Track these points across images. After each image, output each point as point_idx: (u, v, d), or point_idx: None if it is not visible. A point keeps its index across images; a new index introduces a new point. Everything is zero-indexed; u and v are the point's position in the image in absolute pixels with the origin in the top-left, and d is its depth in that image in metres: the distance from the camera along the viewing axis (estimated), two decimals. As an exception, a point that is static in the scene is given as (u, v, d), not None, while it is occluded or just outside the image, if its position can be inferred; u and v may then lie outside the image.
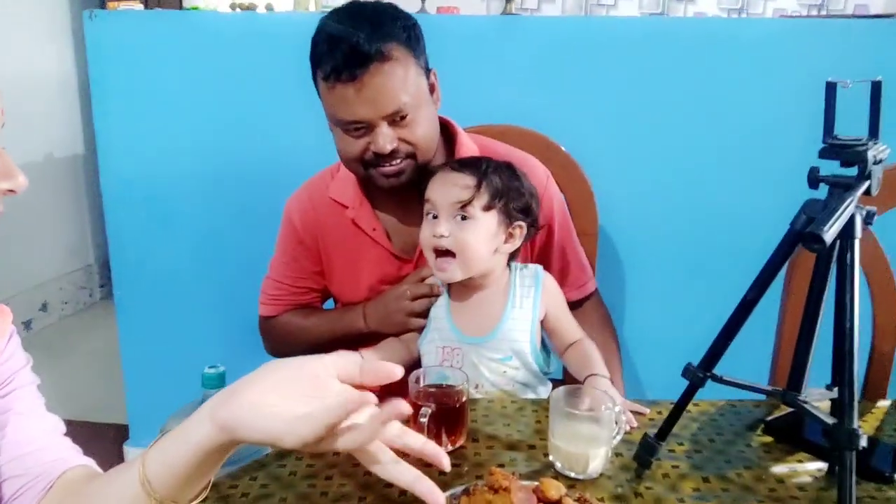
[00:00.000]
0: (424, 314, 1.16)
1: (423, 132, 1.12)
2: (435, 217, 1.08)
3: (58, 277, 3.48)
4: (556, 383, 1.17)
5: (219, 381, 1.65)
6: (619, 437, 0.90)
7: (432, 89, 1.16)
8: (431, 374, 0.96)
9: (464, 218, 1.06)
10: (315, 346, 1.26)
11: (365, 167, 1.13)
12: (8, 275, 3.13)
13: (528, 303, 1.13)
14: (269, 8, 1.98)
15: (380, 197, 1.24)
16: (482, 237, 1.07)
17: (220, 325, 1.90)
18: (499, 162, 1.12)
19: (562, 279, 1.23)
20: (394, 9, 1.09)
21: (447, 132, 1.26)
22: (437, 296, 1.16)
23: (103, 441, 2.19)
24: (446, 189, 1.06)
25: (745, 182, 1.63)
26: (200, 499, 0.66)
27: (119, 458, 2.03)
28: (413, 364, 1.15)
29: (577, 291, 1.29)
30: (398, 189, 1.15)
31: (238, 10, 1.88)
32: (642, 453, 0.87)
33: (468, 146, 1.24)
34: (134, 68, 1.78)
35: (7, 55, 3.05)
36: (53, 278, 3.45)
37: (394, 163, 1.11)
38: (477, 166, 1.08)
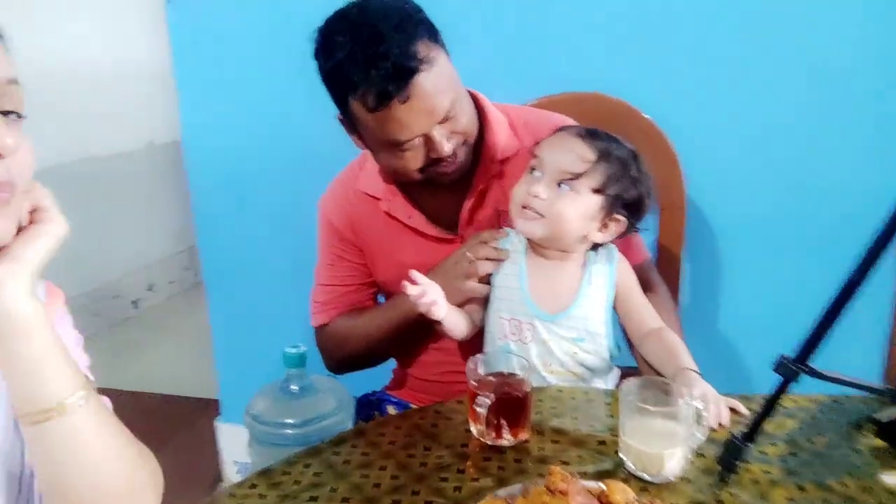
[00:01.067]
0: (486, 280, 1.08)
1: (468, 118, 1.07)
2: (536, 174, 1.00)
3: (163, 259, 3.67)
4: (625, 373, 1.08)
5: (299, 361, 1.67)
6: (700, 435, 0.81)
7: None
8: (491, 359, 0.90)
9: (568, 188, 0.99)
10: (372, 345, 1.21)
11: (422, 171, 1.07)
12: (117, 256, 3.32)
13: (602, 281, 1.05)
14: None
15: (413, 183, 1.17)
16: (578, 216, 0.99)
17: (301, 307, 1.92)
18: (630, 147, 1.03)
19: (625, 248, 1.12)
20: (398, 5, 1.00)
21: (475, 106, 1.17)
22: (501, 260, 1.07)
23: (197, 416, 2.28)
24: (562, 153, 0.99)
25: (851, 149, 1.44)
26: None
27: (211, 434, 2.10)
28: (476, 338, 1.09)
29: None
30: (456, 180, 1.10)
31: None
32: (727, 456, 0.78)
33: (497, 119, 1.16)
34: (214, 51, 1.79)
35: (105, 46, 3.19)
36: (159, 260, 3.64)
37: (451, 158, 1.05)
38: (603, 142, 1.01)
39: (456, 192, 1.13)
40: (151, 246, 3.59)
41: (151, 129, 3.52)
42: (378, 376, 1.36)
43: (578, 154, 0.98)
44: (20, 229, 0.65)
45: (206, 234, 1.95)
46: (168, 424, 2.36)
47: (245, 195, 1.88)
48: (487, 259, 1.07)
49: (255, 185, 1.86)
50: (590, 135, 1.01)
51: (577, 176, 0.98)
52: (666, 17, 1.46)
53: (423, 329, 1.13)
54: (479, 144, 1.13)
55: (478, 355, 0.89)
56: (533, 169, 1.01)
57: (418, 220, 1.17)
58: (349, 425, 1.33)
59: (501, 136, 1.15)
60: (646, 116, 1.32)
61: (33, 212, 0.66)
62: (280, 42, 1.76)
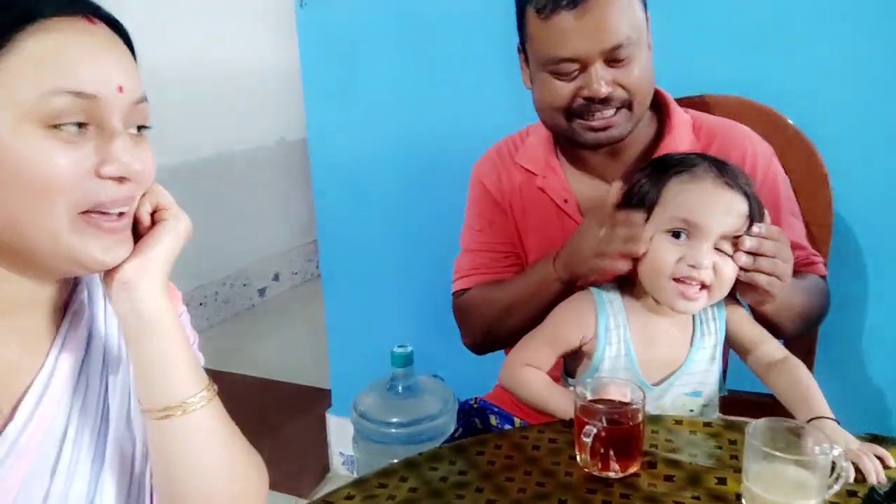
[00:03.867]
0: (628, 241, 0.90)
1: (642, 76, 0.99)
2: (684, 239, 0.87)
3: (289, 250, 3.83)
4: (725, 400, 0.99)
5: (405, 361, 1.69)
6: (836, 487, 0.71)
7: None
8: (601, 384, 0.84)
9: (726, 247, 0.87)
10: (505, 314, 1.11)
11: (568, 118, 1.02)
12: (245, 247, 3.51)
13: (713, 327, 0.96)
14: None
15: (573, 164, 1.12)
16: (736, 274, 0.88)
17: (411, 306, 1.93)
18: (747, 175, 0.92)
19: None
20: None
21: (656, 103, 1.11)
22: (636, 255, 0.90)
23: (312, 404, 2.35)
24: (721, 215, 0.86)
25: None
26: None
27: (322, 425, 2.16)
28: None
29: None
30: (603, 145, 1.04)
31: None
32: (869, 514, 0.68)
33: (681, 119, 1.09)
34: (340, 53, 1.83)
35: (237, 45, 3.35)
36: (285, 251, 3.80)
37: (606, 113, 0.99)
38: (746, 184, 0.88)
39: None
40: (278, 237, 3.76)
41: (283, 127, 3.68)
42: (483, 382, 1.32)
43: (737, 210, 0.86)
44: (143, 228, 0.67)
45: (327, 229, 2.00)
46: (285, 410, 2.45)
47: (365, 194, 1.91)
48: (622, 255, 0.91)
49: (375, 185, 1.89)
50: (735, 179, 0.87)
51: (738, 235, 0.87)
52: (816, 14, 1.32)
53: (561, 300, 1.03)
54: (657, 143, 1.08)
55: (587, 379, 0.84)
56: (678, 233, 0.88)
57: (572, 206, 1.11)
58: (452, 427, 1.32)
59: (684, 138, 1.08)
60: (791, 123, 1.20)
61: (156, 211, 0.68)
62: (403, 46, 1.77)
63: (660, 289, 0.89)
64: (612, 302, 0.95)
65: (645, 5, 1.01)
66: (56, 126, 0.57)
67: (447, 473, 0.82)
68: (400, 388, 1.69)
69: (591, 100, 0.98)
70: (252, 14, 3.43)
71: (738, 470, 0.77)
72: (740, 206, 0.86)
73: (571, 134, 1.04)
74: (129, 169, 0.61)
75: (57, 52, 0.57)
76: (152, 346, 0.65)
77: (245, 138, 3.47)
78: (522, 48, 1.07)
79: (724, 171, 0.88)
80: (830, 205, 1.20)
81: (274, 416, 2.41)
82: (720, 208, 0.86)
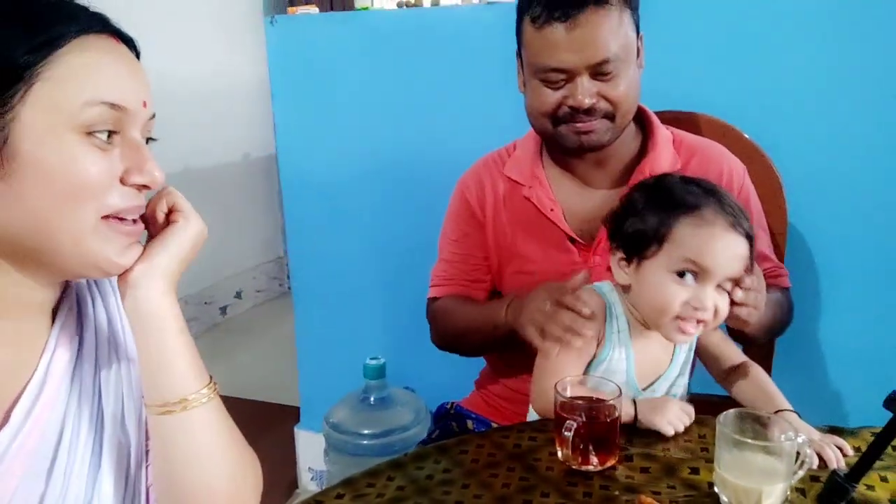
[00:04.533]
0: (566, 330, 0.91)
1: (626, 91, 1.05)
2: (692, 278, 0.88)
3: (253, 268, 3.80)
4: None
5: (378, 373, 1.71)
6: (801, 473, 0.76)
7: (638, 53, 1.09)
8: (594, 383, 0.88)
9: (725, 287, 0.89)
10: (467, 337, 1.20)
11: (555, 124, 1.08)
12: (208, 265, 3.46)
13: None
14: (434, 3, 1.98)
15: (559, 174, 1.18)
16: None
17: (384, 319, 1.94)
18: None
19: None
20: None
21: (640, 119, 1.18)
22: (587, 318, 0.91)
23: (278, 422, 2.33)
24: (728, 259, 0.87)
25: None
26: None
27: (290, 440, 2.15)
28: None
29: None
30: (586, 150, 1.09)
31: (405, 7, 1.90)
32: (829, 495, 0.73)
33: (664, 136, 1.15)
34: (309, 70, 1.85)
35: (204, 60, 3.36)
36: (249, 268, 3.77)
37: (587, 117, 1.05)
38: (748, 226, 0.90)
39: (601, 196, 1.13)
40: (242, 255, 3.73)
41: (247, 142, 3.67)
42: (457, 387, 1.35)
43: (740, 253, 0.88)
44: (157, 228, 0.70)
45: (297, 243, 2.01)
46: (250, 428, 2.41)
47: (336, 208, 1.93)
48: (570, 309, 0.92)
49: (346, 199, 1.91)
50: (738, 220, 0.89)
51: (740, 277, 0.89)
52: (768, 31, 1.41)
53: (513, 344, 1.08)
54: (641, 157, 1.14)
55: (566, 378, 0.87)
56: (683, 273, 0.89)
57: (558, 215, 1.15)
58: (424, 438, 1.34)
59: (667, 154, 1.14)
60: (745, 136, 1.26)
61: (170, 213, 0.71)
62: (372, 62, 1.81)
63: (659, 324, 0.92)
64: (614, 304, 0.97)
65: (637, 27, 1.08)
66: (90, 134, 0.61)
67: (432, 472, 0.84)
68: (372, 399, 1.70)
69: (575, 109, 1.04)
70: (216, 30, 3.43)
71: (710, 461, 0.81)
72: (745, 249, 0.89)
73: (557, 138, 1.09)
74: (152, 177, 0.65)
75: (96, 67, 0.62)
76: (154, 344, 0.67)
77: (208, 154, 3.45)
78: (519, 54, 1.13)
79: (731, 213, 0.89)
80: (785, 215, 1.27)
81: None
82: (729, 254, 0.87)
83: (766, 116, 1.40)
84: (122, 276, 0.66)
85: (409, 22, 1.80)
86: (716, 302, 0.88)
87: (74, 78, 0.60)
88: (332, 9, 3.40)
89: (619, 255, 0.96)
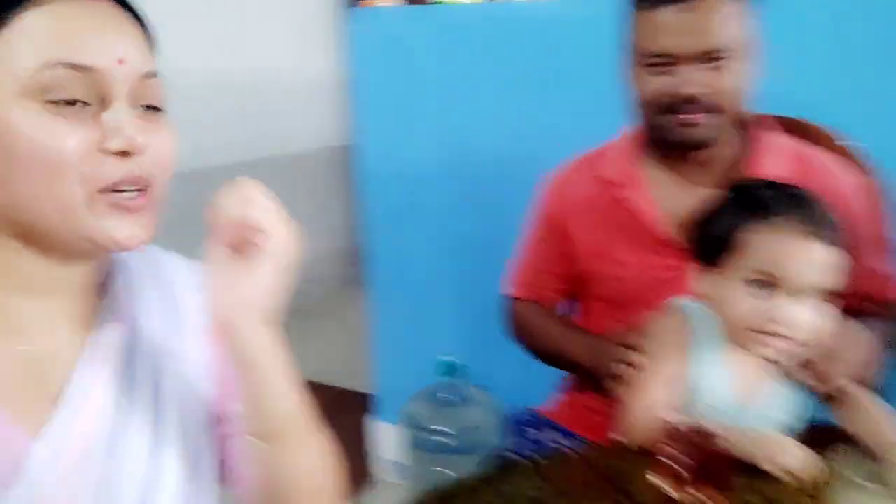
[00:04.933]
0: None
1: (734, 84, 1.01)
2: (766, 289, 0.83)
3: (324, 256, 3.85)
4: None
5: (449, 370, 1.70)
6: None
7: (753, 51, 1.04)
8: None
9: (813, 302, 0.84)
10: (549, 356, 1.23)
11: (658, 113, 1.04)
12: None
13: None
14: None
15: (659, 173, 1.13)
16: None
17: (459, 314, 1.94)
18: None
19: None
20: None
21: (750, 123, 1.11)
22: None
23: (345, 408, 2.34)
24: (806, 269, 0.82)
25: None
26: None
27: (358, 427, 2.17)
28: None
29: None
30: (689, 146, 1.05)
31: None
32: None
33: (775, 141, 1.10)
34: (391, 62, 1.85)
35: (279, 53, 3.37)
36: (320, 256, 3.83)
37: (690, 107, 1.01)
38: (833, 234, 0.84)
39: (698, 196, 1.08)
40: (315, 242, 3.77)
41: (316, 132, 3.71)
42: (532, 389, 1.33)
43: (830, 264, 0.83)
44: (237, 243, 0.63)
45: (373, 236, 2.02)
46: (319, 412, 2.44)
47: (415, 202, 1.94)
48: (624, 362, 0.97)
49: (425, 193, 1.91)
50: (829, 229, 0.83)
51: (832, 293, 0.84)
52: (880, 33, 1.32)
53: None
54: (747, 160, 1.09)
55: (669, 403, 0.84)
56: (763, 284, 0.84)
57: (653, 214, 1.11)
58: (498, 439, 1.33)
59: (776, 161, 1.08)
60: (852, 145, 1.19)
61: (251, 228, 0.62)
62: (456, 56, 1.79)
63: (738, 337, 0.88)
64: (705, 319, 0.91)
65: (755, 25, 1.02)
66: (55, 102, 0.56)
67: (524, 488, 0.83)
68: (445, 397, 1.71)
69: (678, 98, 1.01)
70: (290, 23, 3.45)
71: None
72: (829, 259, 0.83)
73: (660, 130, 1.06)
74: (132, 143, 0.58)
75: (54, 26, 0.57)
76: (249, 380, 0.65)
77: (279, 142, 3.48)
78: (625, 43, 1.09)
79: (812, 221, 0.83)
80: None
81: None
82: (806, 264, 0.82)
83: (880, 125, 1.31)
84: (215, 311, 0.64)
85: (494, 15, 1.77)
86: (796, 316, 0.83)
87: (30, 41, 0.55)
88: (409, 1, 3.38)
89: (696, 263, 0.91)
